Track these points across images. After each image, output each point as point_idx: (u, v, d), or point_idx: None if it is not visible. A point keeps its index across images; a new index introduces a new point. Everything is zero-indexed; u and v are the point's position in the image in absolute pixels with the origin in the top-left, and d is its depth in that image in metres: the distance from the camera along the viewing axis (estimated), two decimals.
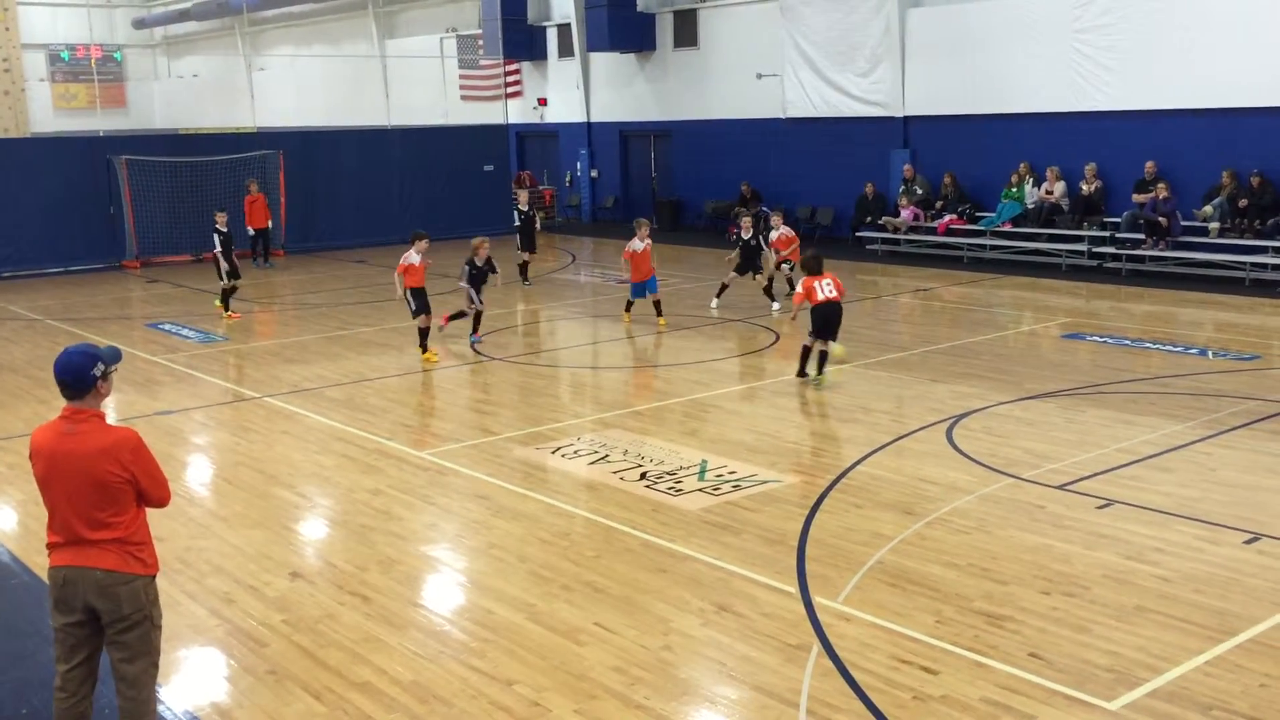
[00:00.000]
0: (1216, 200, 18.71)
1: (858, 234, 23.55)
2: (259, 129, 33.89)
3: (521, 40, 31.13)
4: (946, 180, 22.45)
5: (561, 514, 8.57)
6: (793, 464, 9.53)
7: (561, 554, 7.74)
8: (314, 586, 7.34)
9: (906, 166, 23.13)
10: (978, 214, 21.93)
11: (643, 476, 9.30)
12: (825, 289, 12.12)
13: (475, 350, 14.57)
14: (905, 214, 22.47)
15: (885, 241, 22.75)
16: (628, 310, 16.38)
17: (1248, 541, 7.54)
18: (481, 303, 14.88)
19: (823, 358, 12.28)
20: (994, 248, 21.38)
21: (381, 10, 37.04)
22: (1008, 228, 21.13)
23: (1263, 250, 17.89)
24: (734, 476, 9.23)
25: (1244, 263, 18.04)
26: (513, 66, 31.79)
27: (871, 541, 7.73)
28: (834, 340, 12.26)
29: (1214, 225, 18.56)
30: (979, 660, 6.02)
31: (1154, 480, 8.86)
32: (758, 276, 17.11)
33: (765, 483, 9.05)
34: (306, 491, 9.39)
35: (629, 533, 8.08)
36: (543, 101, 32.39)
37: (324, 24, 40.19)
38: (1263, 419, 10.39)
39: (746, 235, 17.11)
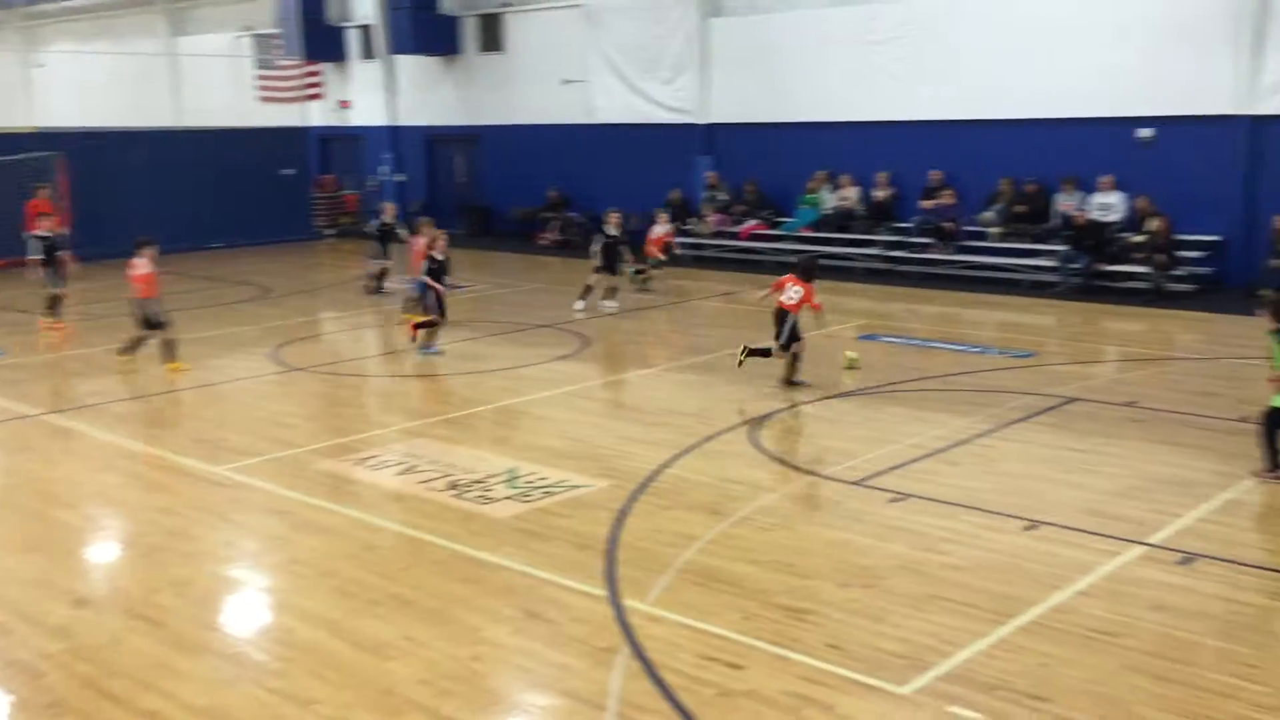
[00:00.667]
0: (996, 207, 19.84)
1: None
2: (37, 129, 31.98)
3: (322, 41, 30.30)
4: (749, 186, 23.05)
5: (368, 527, 8.38)
6: (603, 469, 9.59)
7: (368, 568, 7.57)
8: (99, 612, 6.96)
9: (710, 173, 23.63)
10: (778, 219, 22.59)
11: (452, 486, 9.19)
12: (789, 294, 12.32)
13: (426, 356, 14.09)
14: (711, 219, 22.94)
15: (691, 246, 23.18)
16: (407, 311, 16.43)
17: (1027, 528, 8.01)
18: (443, 309, 14.46)
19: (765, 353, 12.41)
20: (794, 252, 22.02)
21: (171, 6, 35.42)
22: (807, 232, 21.84)
23: (1037, 254, 19.06)
24: (544, 483, 9.22)
25: (1022, 265, 19.19)
26: (314, 67, 30.92)
27: (680, 543, 7.85)
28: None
29: (994, 230, 19.67)
30: (781, 654, 6.20)
31: (943, 473, 9.32)
32: (620, 275, 17.41)
33: (576, 488, 9.08)
34: (91, 513, 8.89)
35: (438, 543, 7.97)
36: (345, 104, 31.63)
37: (108, 19, 38.13)
38: (1039, 413, 11.07)
39: (616, 233, 17.27)
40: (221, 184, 26.12)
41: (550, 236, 25.85)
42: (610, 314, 17.03)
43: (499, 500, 8.83)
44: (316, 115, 31.32)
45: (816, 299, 12.33)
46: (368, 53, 30.50)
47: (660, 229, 19.73)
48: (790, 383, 12.27)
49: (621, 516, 8.39)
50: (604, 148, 25.73)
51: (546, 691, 5.94)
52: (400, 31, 27.80)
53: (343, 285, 20.80)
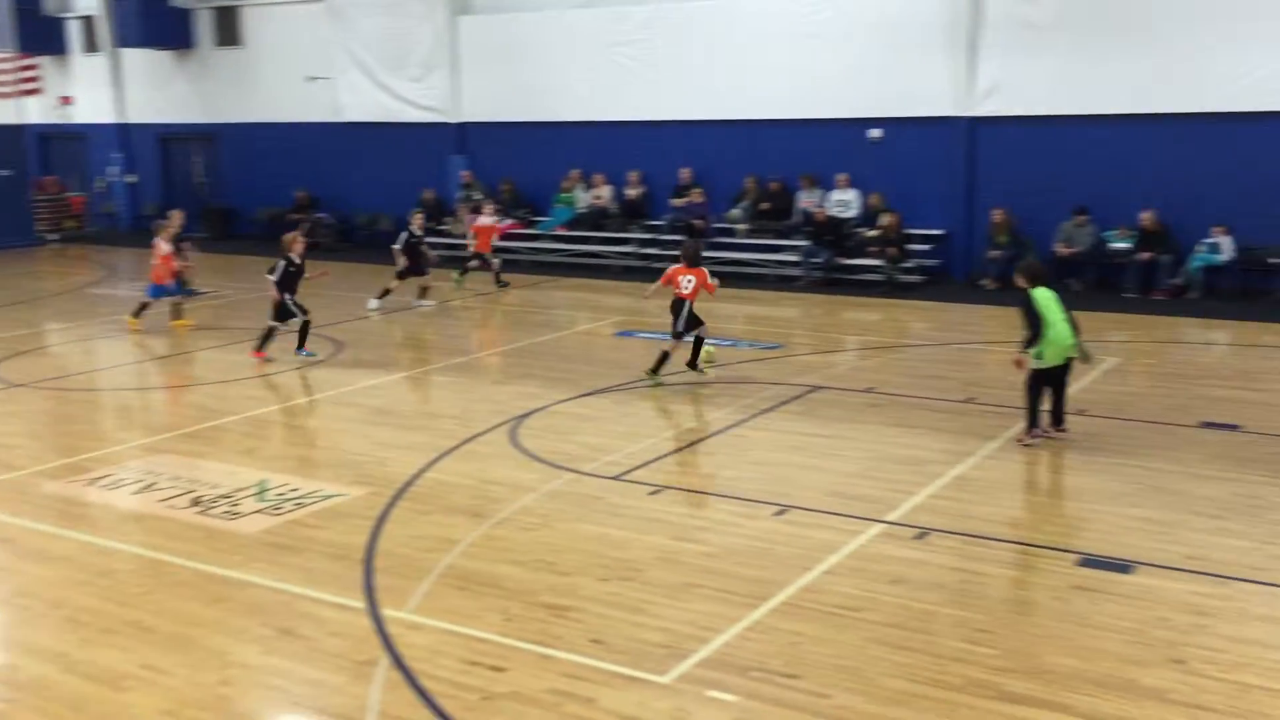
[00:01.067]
0: (743, 204, 20.56)
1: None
2: None
3: (38, 32, 28.17)
4: (505, 186, 22.97)
5: (102, 551, 7.84)
6: (358, 476, 9.33)
7: (103, 595, 7.09)
8: None
9: (464, 172, 23.42)
10: (534, 218, 22.64)
11: (195, 502, 8.73)
12: (685, 284, 12.17)
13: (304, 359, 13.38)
14: (471, 219, 22.68)
15: (447, 247, 22.88)
16: (137, 316, 15.83)
17: (778, 514, 8.33)
18: (304, 309, 13.69)
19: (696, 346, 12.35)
20: (551, 250, 22.17)
21: None
22: (562, 231, 21.98)
23: (782, 249, 19.88)
24: (296, 494, 8.89)
25: (767, 260, 19.96)
26: (29, 61, 28.68)
27: (440, 547, 7.73)
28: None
29: (741, 227, 20.38)
30: (545, 652, 6.20)
31: (697, 464, 9.57)
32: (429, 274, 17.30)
33: (330, 497, 8.79)
34: None
35: (181, 564, 7.54)
36: (66, 100, 29.53)
37: None
38: (786, 401, 11.53)
39: (420, 232, 17.15)
40: None
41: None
42: (424, 311, 16.90)
43: (247, 515, 8.45)
44: (35, 112, 29.09)
45: (711, 280, 12.37)
46: (91, 45, 28.59)
47: (486, 220, 19.38)
48: (693, 367, 12.42)
49: (379, 524, 8.19)
50: (354, 147, 25.08)
51: (302, 711, 5.72)
52: (127, 23, 26.19)
53: (69, 294, 19.41)
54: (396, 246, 17.40)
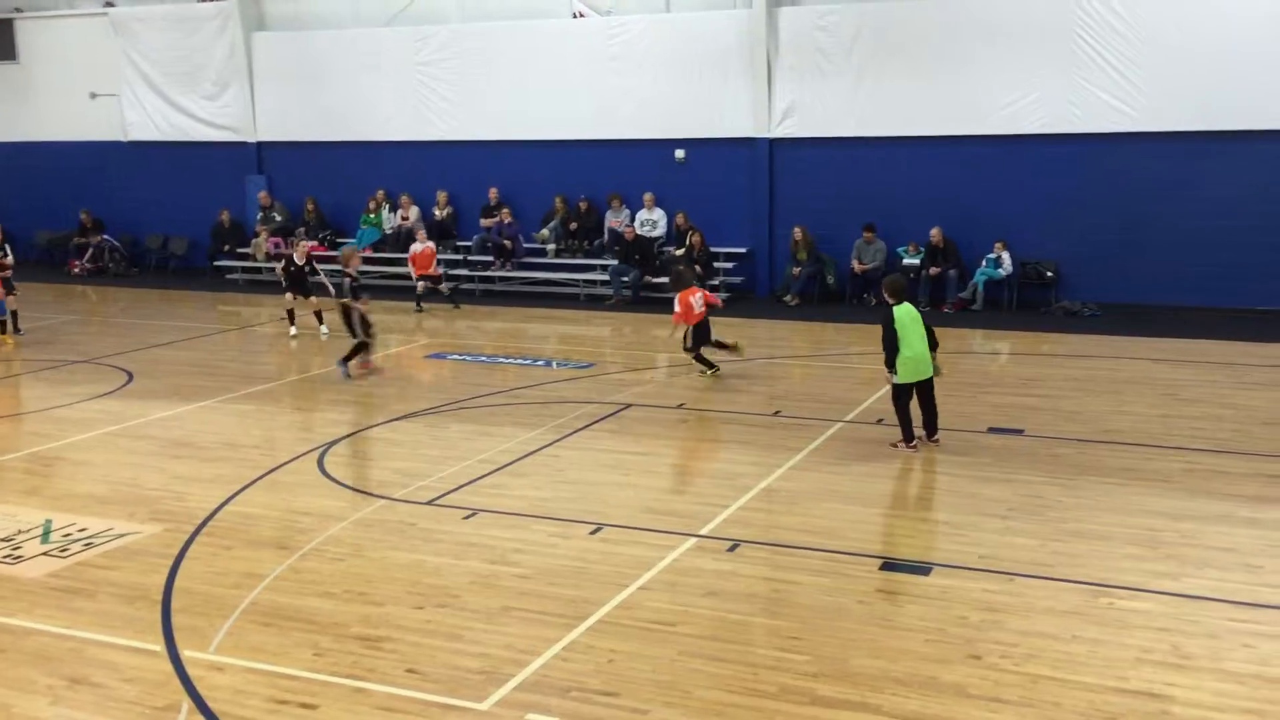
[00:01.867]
0: (552, 224, 20.61)
1: (216, 263, 22.66)
2: None
3: None
4: (308, 206, 22.34)
5: None
6: (154, 512, 8.88)
7: None
8: None
9: (262, 193, 22.66)
10: (339, 240, 22.07)
11: None
12: (698, 304, 12.97)
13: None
14: (270, 243, 21.96)
15: (246, 270, 22.12)
16: None
17: (593, 532, 8.36)
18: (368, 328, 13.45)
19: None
20: (358, 273, 21.61)
21: None
22: (368, 253, 21.52)
23: (592, 269, 20.02)
24: (85, 534, 8.39)
25: (577, 280, 20.06)
26: None
27: (244, 583, 7.43)
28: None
29: (551, 247, 20.43)
30: (358, 685, 6.04)
31: (512, 486, 9.50)
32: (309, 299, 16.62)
33: (122, 536, 8.33)
34: None
35: None
36: None
37: None
38: (599, 419, 11.60)
39: (302, 261, 16.66)
40: None
41: (84, 264, 23.64)
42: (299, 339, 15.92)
43: (31, 558, 7.92)
44: None
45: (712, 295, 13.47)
46: None
47: (420, 246, 19.04)
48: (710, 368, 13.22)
49: (177, 562, 7.81)
50: (143, 167, 23.95)
51: None
52: None
53: None
54: (278, 268, 17.13)
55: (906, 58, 18.40)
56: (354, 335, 13.68)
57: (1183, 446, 10.35)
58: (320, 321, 16.44)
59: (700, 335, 13.28)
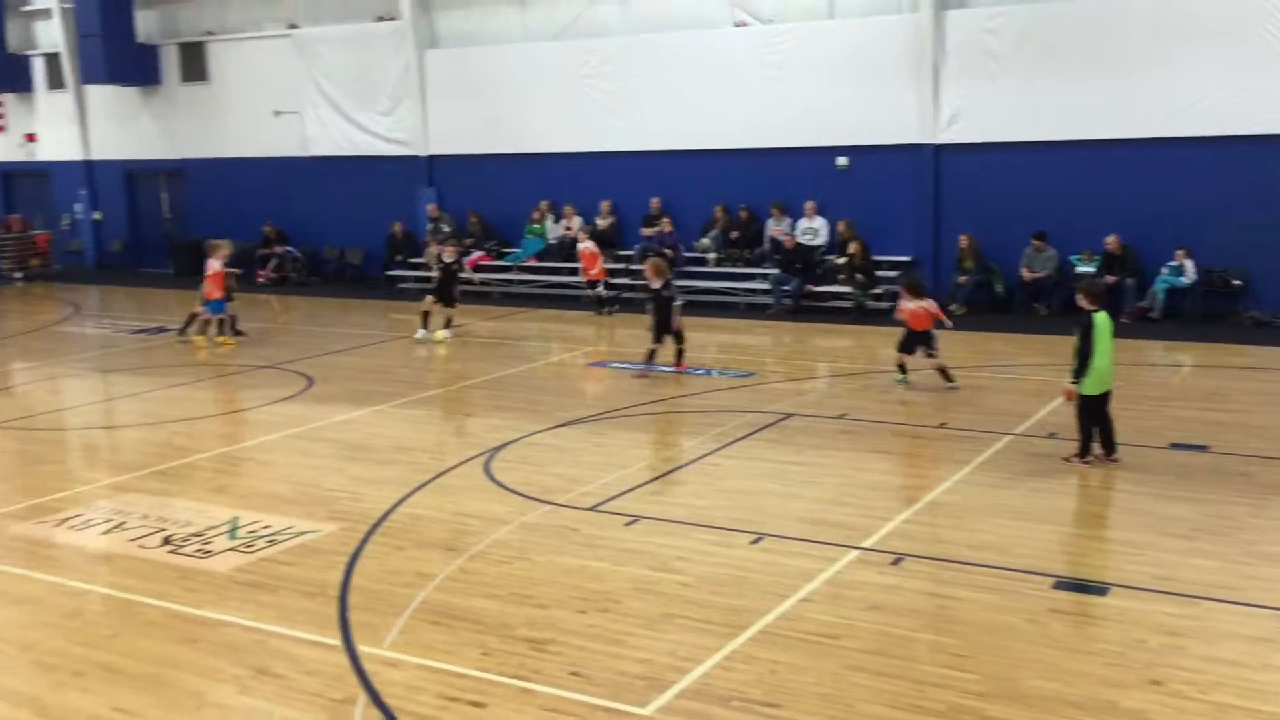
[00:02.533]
0: (712, 233, 20.65)
1: (388, 273, 23.51)
2: None
3: (1, 70, 28.02)
4: (473, 218, 22.97)
5: (71, 593, 7.73)
6: (331, 512, 9.26)
7: (72, 637, 6.98)
8: None
9: (431, 205, 23.41)
10: (504, 250, 22.64)
11: (166, 541, 8.63)
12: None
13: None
14: (436, 252, 22.64)
15: (417, 280, 22.88)
16: (201, 332, 17.31)
17: (753, 541, 8.33)
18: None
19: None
20: (521, 282, 22.17)
21: None
22: (533, 263, 21.99)
23: (752, 277, 19.98)
24: (268, 531, 8.81)
25: (738, 289, 20.04)
26: None
27: (415, 582, 7.68)
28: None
29: (712, 256, 20.46)
30: (524, 686, 6.16)
31: (673, 494, 9.56)
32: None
33: (302, 534, 8.72)
34: None
35: (151, 604, 7.45)
36: (30, 137, 29.36)
37: None
38: (759, 429, 11.56)
39: (451, 260, 17.75)
40: None
41: (268, 273, 24.84)
42: (436, 344, 16.65)
43: (219, 553, 8.36)
44: None
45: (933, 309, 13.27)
46: (56, 82, 28.46)
47: (584, 246, 19.86)
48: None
49: (353, 560, 8.12)
50: (322, 180, 25.04)
51: None
52: (91, 61, 26.07)
53: (35, 332, 19.23)
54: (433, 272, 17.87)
55: (1078, 59, 17.77)
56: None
57: None
58: (424, 325, 17.26)
59: (915, 341, 13.23)
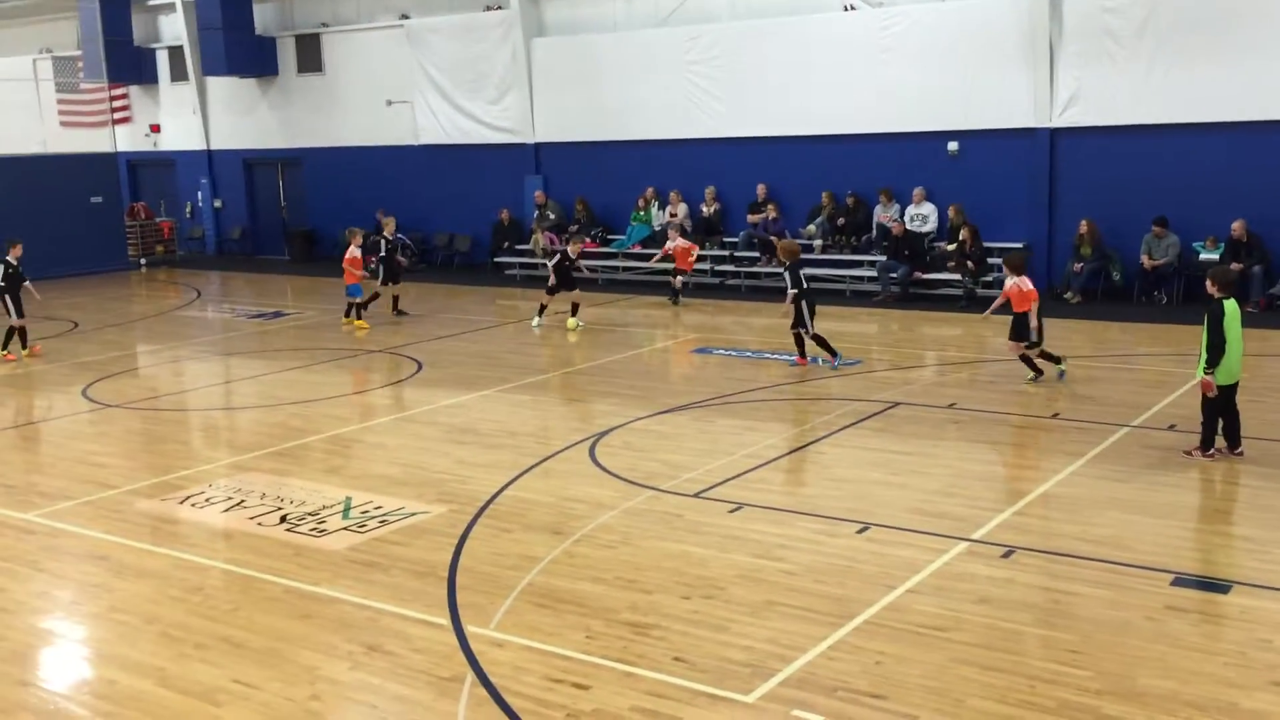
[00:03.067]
0: (818, 220, 20.45)
1: (496, 260, 23.81)
2: None
3: (128, 62, 29.08)
4: (579, 205, 23.13)
5: (194, 568, 8.02)
6: (440, 494, 9.44)
7: (194, 610, 7.24)
8: None
9: (538, 192, 23.63)
10: (609, 237, 22.74)
11: (283, 520, 8.89)
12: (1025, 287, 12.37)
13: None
14: (542, 238, 22.91)
15: (524, 266, 23.13)
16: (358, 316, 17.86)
17: (859, 531, 8.24)
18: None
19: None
20: (626, 269, 22.26)
21: None
22: (638, 249, 22.05)
23: (859, 264, 19.73)
24: (380, 511, 9.01)
25: (844, 275, 19.81)
26: (119, 91, 29.62)
27: (521, 565, 7.78)
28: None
29: (818, 243, 20.26)
30: (628, 670, 6.20)
31: (777, 481, 9.51)
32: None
33: (413, 515, 8.90)
34: None
35: (269, 580, 7.69)
36: (155, 128, 30.43)
37: None
38: (866, 418, 11.42)
39: (571, 250, 17.52)
40: (25, 214, 24.57)
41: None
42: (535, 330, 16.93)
43: (333, 532, 8.58)
44: (125, 140, 30.03)
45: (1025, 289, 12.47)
46: (179, 74, 29.44)
47: (674, 243, 19.69)
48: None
49: (461, 541, 8.27)
50: (431, 168, 25.47)
51: None
52: (212, 53, 26.89)
53: (160, 316, 19.95)
54: (550, 264, 17.89)
55: (1202, 39, 17.12)
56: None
57: None
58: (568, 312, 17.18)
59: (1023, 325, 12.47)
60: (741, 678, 6.05)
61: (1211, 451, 9.59)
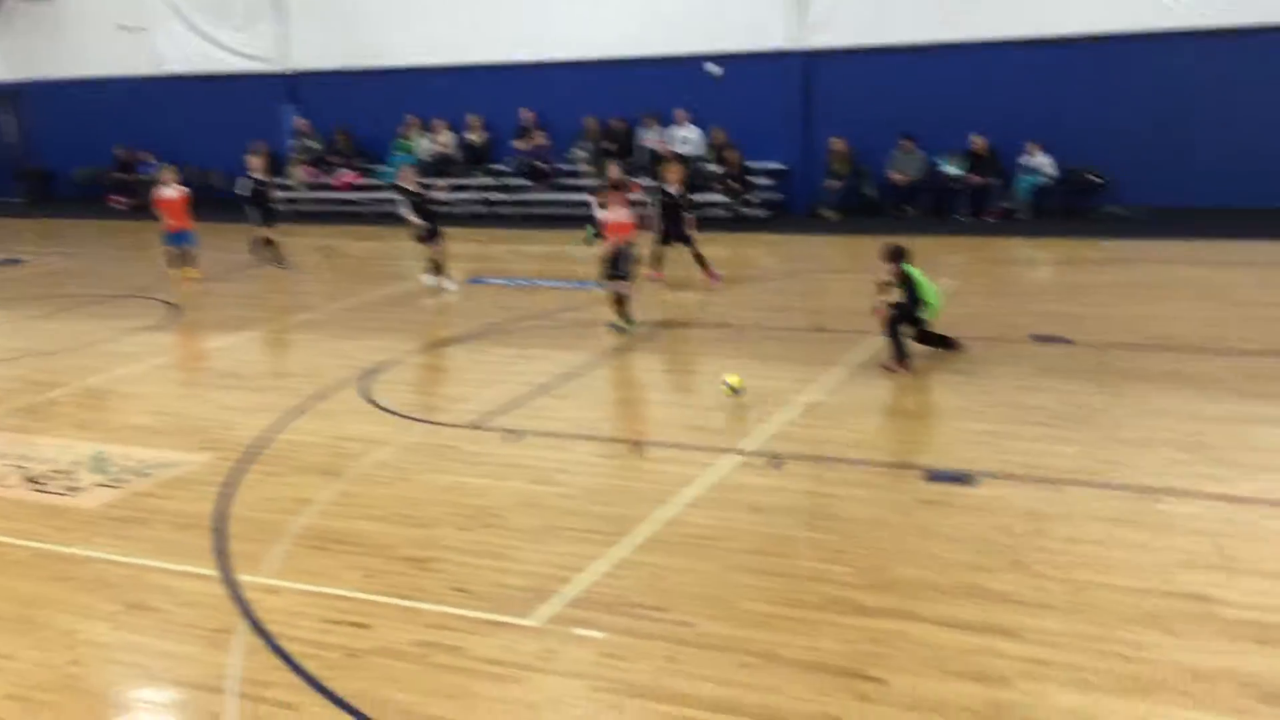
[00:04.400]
0: (586, 144, 20.44)
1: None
2: None
3: None
4: (340, 136, 22.31)
5: None
6: (204, 441, 9.02)
7: None
8: None
9: (300, 120, 22.64)
10: (372, 167, 22.08)
11: (29, 480, 8.31)
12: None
13: None
14: (302, 171, 22.03)
15: (286, 201, 22.19)
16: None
17: (635, 450, 8.39)
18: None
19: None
20: (393, 200, 21.65)
21: None
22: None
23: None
24: (139, 464, 8.55)
25: None
26: None
27: (295, 509, 7.55)
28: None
29: (587, 168, 20.28)
30: (407, 605, 6.14)
31: (554, 408, 9.55)
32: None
33: (174, 466, 8.48)
34: None
35: (17, 544, 7.19)
36: None
37: None
38: (639, 340, 11.58)
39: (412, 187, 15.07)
40: None
41: (123, 199, 23.80)
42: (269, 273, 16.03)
43: (87, 489, 8.09)
44: None
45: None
46: None
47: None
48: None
49: (228, 489, 7.95)
50: (177, 100, 23.99)
51: (158, 684, 5.54)
52: None
53: None
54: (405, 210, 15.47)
55: None
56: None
57: (1232, 350, 10.20)
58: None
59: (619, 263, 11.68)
60: (522, 602, 6.10)
61: (907, 362, 10.13)
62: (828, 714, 4.98)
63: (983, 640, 5.52)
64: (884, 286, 10.21)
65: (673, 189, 14.19)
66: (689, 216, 14.12)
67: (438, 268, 14.59)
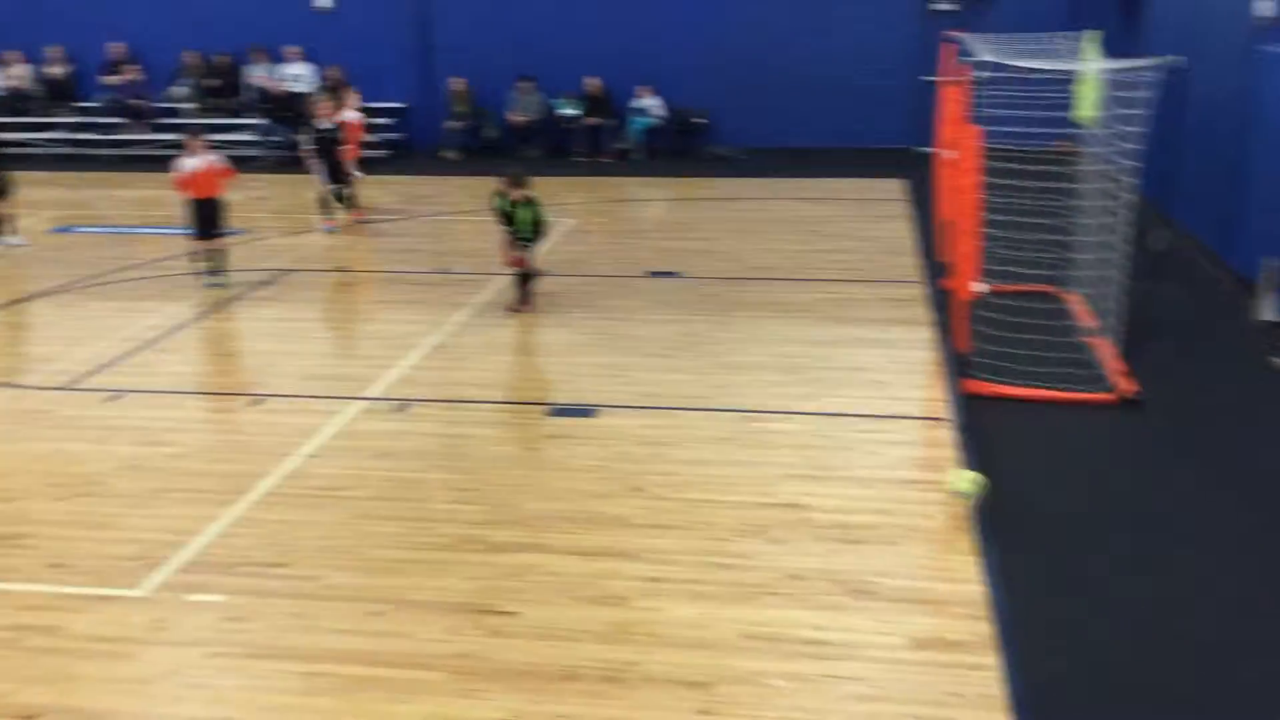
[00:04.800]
0: (187, 81, 19.03)
1: None
2: None
3: None
4: None
5: None
6: None
7: None
8: None
9: None
10: None
11: None
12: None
13: None
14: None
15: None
16: None
17: (253, 404, 8.02)
18: None
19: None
20: None
21: None
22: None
23: (236, 128, 18.75)
24: None
25: (221, 141, 18.70)
26: None
27: None
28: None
29: (188, 106, 18.90)
30: None
31: (162, 363, 8.92)
32: None
33: None
34: None
35: None
36: None
37: None
38: (254, 288, 11.03)
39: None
40: None
41: None
42: None
43: None
44: None
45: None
46: None
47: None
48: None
49: None
50: None
51: None
52: None
53: None
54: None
55: None
56: None
57: (822, 278, 11.13)
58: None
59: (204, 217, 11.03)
60: (129, 573, 5.69)
61: (530, 301, 10.32)
62: (461, 652, 5.02)
63: (606, 565, 5.76)
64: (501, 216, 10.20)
65: (326, 124, 13.48)
66: (341, 150, 13.45)
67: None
